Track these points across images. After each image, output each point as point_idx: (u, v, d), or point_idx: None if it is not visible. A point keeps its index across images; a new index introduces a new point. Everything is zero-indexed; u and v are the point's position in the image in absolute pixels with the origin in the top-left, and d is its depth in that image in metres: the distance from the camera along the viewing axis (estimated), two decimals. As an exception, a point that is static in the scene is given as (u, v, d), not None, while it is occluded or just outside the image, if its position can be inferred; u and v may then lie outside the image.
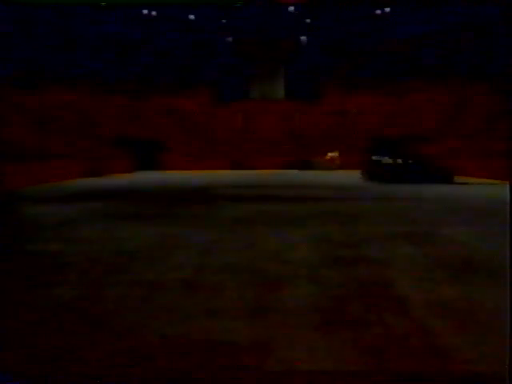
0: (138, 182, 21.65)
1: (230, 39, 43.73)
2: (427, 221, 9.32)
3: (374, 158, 24.27)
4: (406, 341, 3.38)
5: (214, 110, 42.06)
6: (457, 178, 20.95)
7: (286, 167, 35.00)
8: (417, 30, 40.62)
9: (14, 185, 18.57)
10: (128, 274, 5.33)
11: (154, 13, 39.55)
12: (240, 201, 13.35)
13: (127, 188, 18.71)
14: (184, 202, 13.45)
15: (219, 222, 9.26)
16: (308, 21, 41.40)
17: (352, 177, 24.96)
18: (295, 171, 32.82)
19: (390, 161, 22.32)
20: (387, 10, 38.59)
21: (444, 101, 37.21)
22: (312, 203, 12.58)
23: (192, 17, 40.33)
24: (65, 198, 14.67)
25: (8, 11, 32.99)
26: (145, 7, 38.94)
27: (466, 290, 4.55)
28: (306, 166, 34.45)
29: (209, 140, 38.24)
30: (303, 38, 43.52)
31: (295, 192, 16.09)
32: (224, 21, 41.46)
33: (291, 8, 38.94)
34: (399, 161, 21.74)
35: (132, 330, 3.61)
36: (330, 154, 34.84)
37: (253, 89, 45.56)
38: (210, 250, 6.65)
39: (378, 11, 38.92)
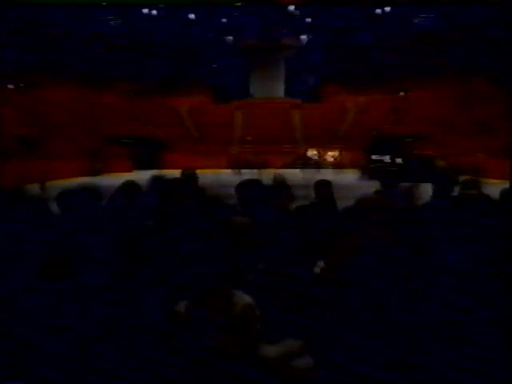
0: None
1: (230, 39, 43.70)
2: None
3: (373, 157, 24.28)
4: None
5: (214, 109, 42.05)
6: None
7: (285, 166, 34.95)
8: (418, 29, 40.62)
9: (12, 184, 18.52)
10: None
11: (154, 12, 39.49)
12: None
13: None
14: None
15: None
16: (308, 20, 41.33)
17: (352, 176, 24.90)
18: (295, 170, 32.78)
19: (389, 160, 22.32)
20: (387, 9, 38.53)
21: (445, 100, 37.16)
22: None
23: (192, 16, 40.27)
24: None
25: (8, 10, 32.95)
26: (145, 6, 38.88)
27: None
28: (306, 165, 34.39)
29: (209, 139, 38.20)
30: (303, 37, 43.49)
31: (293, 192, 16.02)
32: (224, 20, 41.41)
33: (291, 7, 38.87)
34: (399, 160, 21.74)
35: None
36: (330, 153, 34.84)
37: (253, 88, 45.56)
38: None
39: (379, 10, 38.86)
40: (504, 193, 3.15)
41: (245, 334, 1.91)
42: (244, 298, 1.97)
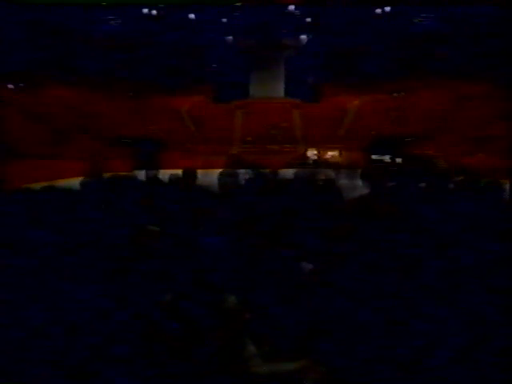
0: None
1: (230, 39, 43.69)
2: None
3: (373, 157, 24.29)
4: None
5: (214, 109, 42.05)
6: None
7: (286, 166, 34.92)
8: (418, 29, 40.61)
9: (12, 184, 18.55)
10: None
11: (154, 12, 39.47)
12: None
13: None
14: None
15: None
16: (308, 20, 41.31)
17: (351, 176, 24.86)
18: (294, 170, 32.73)
19: (389, 160, 22.33)
20: (387, 9, 38.50)
21: (445, 100, 37.16)
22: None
23: (192, 16, 40.25)
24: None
25: (8, 10, 32.96)
26: (145, 6, 38.87)
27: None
28: (305, 165, 34.37)
29: (209, 139, 38.18)
30: (303, 37, 43.48)
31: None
32: (224, 20, 41.38)
33: (291, 7, 38.86)
34: (398, 160, 21.76)
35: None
36: (330, 153, 34.84)
37: (253, 88, 45.56)
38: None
39: (378, 10, 38.84)
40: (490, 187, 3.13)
41: (234, 328, 1.92)
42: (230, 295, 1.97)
